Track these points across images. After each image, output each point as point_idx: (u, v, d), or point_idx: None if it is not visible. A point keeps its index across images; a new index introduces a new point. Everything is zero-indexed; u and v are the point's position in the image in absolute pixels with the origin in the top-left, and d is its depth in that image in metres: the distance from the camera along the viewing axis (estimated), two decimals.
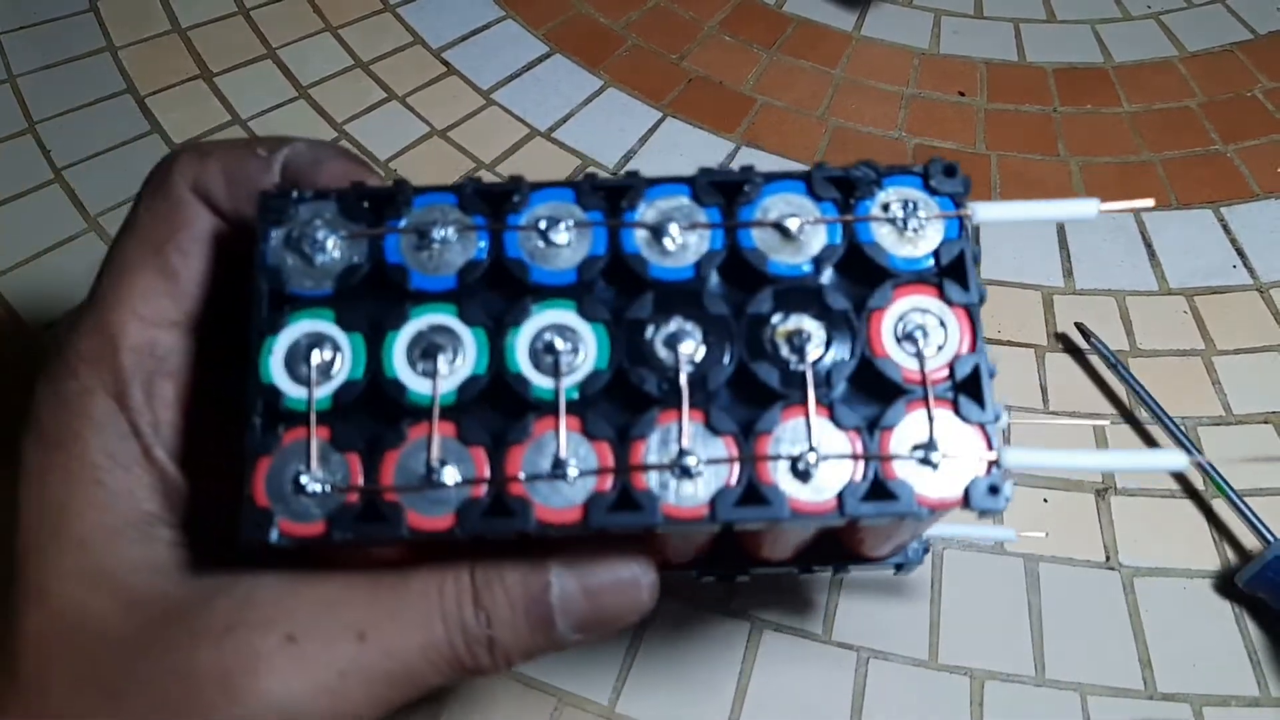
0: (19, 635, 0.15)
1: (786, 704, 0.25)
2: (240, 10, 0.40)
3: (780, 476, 0.15)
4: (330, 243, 0.16)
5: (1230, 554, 0.28)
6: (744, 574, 0.22)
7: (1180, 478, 0.30)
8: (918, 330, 0.15)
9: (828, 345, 0.15)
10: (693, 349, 0.15)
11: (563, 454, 0.15)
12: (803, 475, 0.15)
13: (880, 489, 0.15)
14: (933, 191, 0.16)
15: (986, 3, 0.44)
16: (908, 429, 0.15)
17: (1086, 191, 0.37)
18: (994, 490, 0.15)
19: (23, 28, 0.38)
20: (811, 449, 0.15)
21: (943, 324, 0.15)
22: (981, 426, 0.15)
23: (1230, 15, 0.43)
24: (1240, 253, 0.35)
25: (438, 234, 0.15)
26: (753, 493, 0.15)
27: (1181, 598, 0.27)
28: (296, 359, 0.15)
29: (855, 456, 0.15)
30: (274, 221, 0.16)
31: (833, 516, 0.15)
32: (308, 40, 0.39)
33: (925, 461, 0.15)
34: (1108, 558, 0.28)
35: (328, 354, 0.15)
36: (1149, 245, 0.35)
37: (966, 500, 0.15)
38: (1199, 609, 0.27)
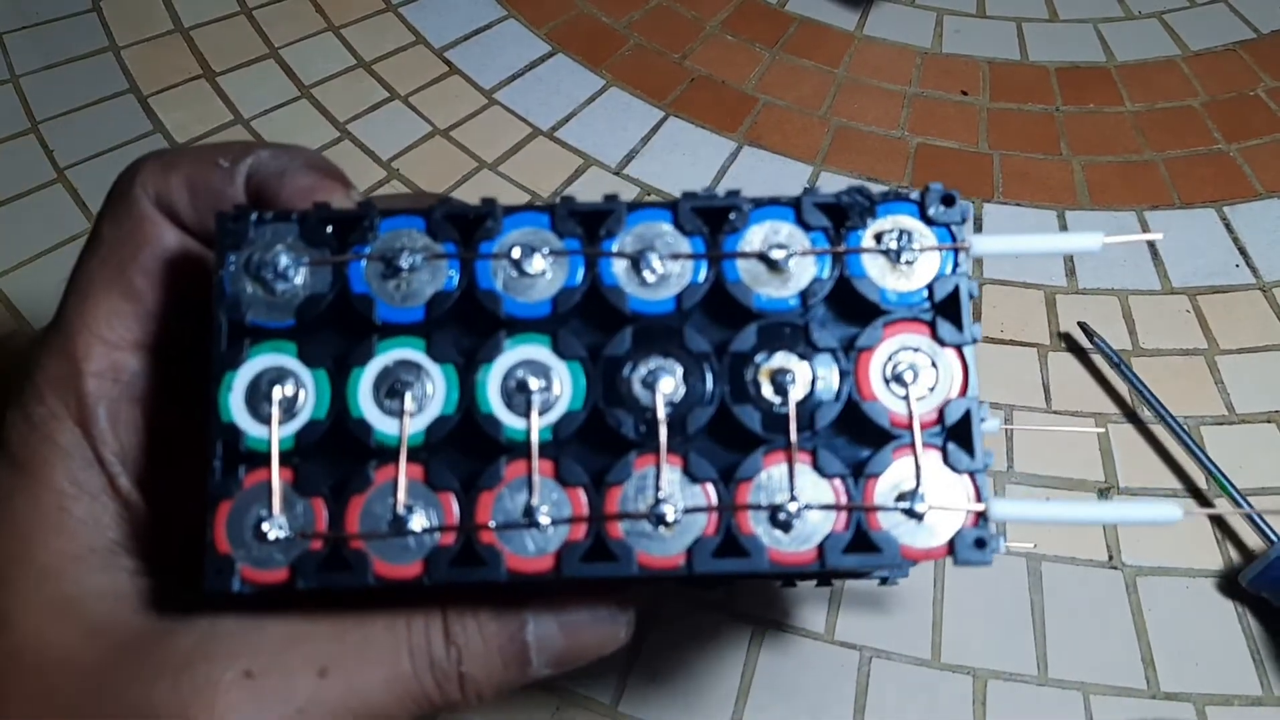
0: None
1: (789, 703, 0.25)
2: (242, 10, 0.40)
3: (760, 527, 0.14)
4: (292, 270, 0.15)
5: (1233, 553, 0.28)
6: (729, 586, 0.21)
7: (1184, 476, 0.30)
8: (908, 370, 0.15)
9: (813, 385, 0.15)
10: (672, 388, 0.15)
11: (535, 501, 0.14)
12: (784, 525, 0.14)
13: (863, 540, 0.14)
14: (929, 221, 0.15)
15: (989, 2, 0.44)
16: (893, 475, 0.14)
17: (1089, 192, 0.37)
18: (980, 544, 0.14)
19: (25, 27, 0.38)
20: (793, 498, 0.14)
21: (934, 364, 0.15)
22: (971, 475, 0.14)
23: (1233, 14, 0.43)
24: (1243, 252, 0.35)
25: (405, 262, 0.15)
26: (731, 543, 0.14)
27: (1184, 597, 0.27)
28: (258, 396, 0.14)
29: (838, 507, 0.14)
30: (233, 246, 0.15)
31: (813, 568, 0.14)
32: (310, 40, 0.39)
33: (910, 513, 0.14)
34: (1110, 557, 0.28)
35: (290, 390, 0.14)
36: (1151, 244, 0.35)
37: (952, 552, 0.14)
38: (1201, 608, 0.27)
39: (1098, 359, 0.32)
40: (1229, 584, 0.27)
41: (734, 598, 0.27)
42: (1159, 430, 0.30)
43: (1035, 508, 0.15)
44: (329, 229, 0.15)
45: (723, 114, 0.38)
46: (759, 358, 0.15)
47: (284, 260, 0.15)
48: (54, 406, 0.16)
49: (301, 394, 0.14)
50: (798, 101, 0.39)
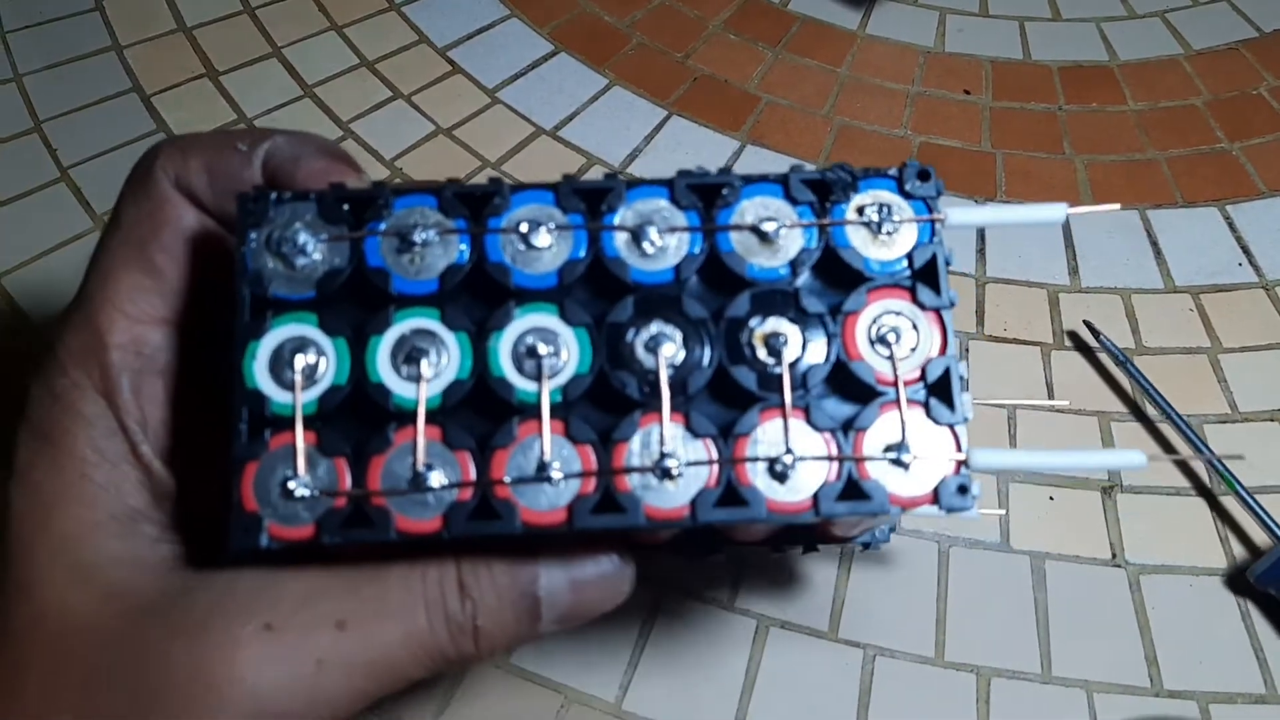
0: (3, 630, 0.15)
1: (793, 701, 0.25)
2: (245, 9, 0.40)
3: (758, 478, 0.15)
4: (311, 246, 0.15)
5: (1239, 550, 0.28)
6: (717, 553, 0.22)
7: (1189, 474, 0.30)
8: (890, 333, 0.16)
9: (804, 348, 0.16)
10: (673, 352, 0.15)
11: (547, 457, 0.15)
12: (780, 476, 0.15)
13: (854, 489, 0.15)
14: (907, 195, 0.16)
15: (992, 1, 0.44)
16: (880, 430, 0.15)
17: (1093, 190, 0.37)
18: (963, 489, 0.15)
19: (28, 26, 0.38)
20: (788, 451, 0.15)
21: (915, 327, 0.16)
22: (951, 428, 0.15)
23: (1236, 13, 0.43)
24: (1246, 250, 0.35)
25: (418, 237, 0.15)
26: (731, 494, 0.15)
27: (1188, 595, 0.27)
28: (281, 364, 0.15)
29: (830, 458, 0.15)
30: (254, 224, 0.16)
31: (808, 516, 0.15)
32: (313, 39, 0.39)
33: (897, 462, 0.15)
34: (1114, 555, 0.28)
35: (311, 358, 0.15)
36: (1154, 243, 0.35)
37: (936, 499, 0.15)
38: (1205, 606, 0.27)
39: (1102, 357, 0.32)
40: (1233, 581, 0.27)
41: (738, 594, 0.27)
42: (1165, 429, 0.30)
43: (1012, 456, 0.16)
44: (345, 207, 0.16)
45: (725, 113, 0.38)
46: (753, 322, 0.16)
47: (303, 236, 0.15)
48: (77, 378, 0.16)
49: (322, 361, 0.15)
50: (800, 101, 0.39)
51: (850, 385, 0.16)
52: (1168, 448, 0.30)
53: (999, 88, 0.40)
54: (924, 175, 0.16)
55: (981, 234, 0.35)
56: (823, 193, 0.16)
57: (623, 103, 0.38)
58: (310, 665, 0.15)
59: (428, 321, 0.15)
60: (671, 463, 0.15)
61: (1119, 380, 0.31)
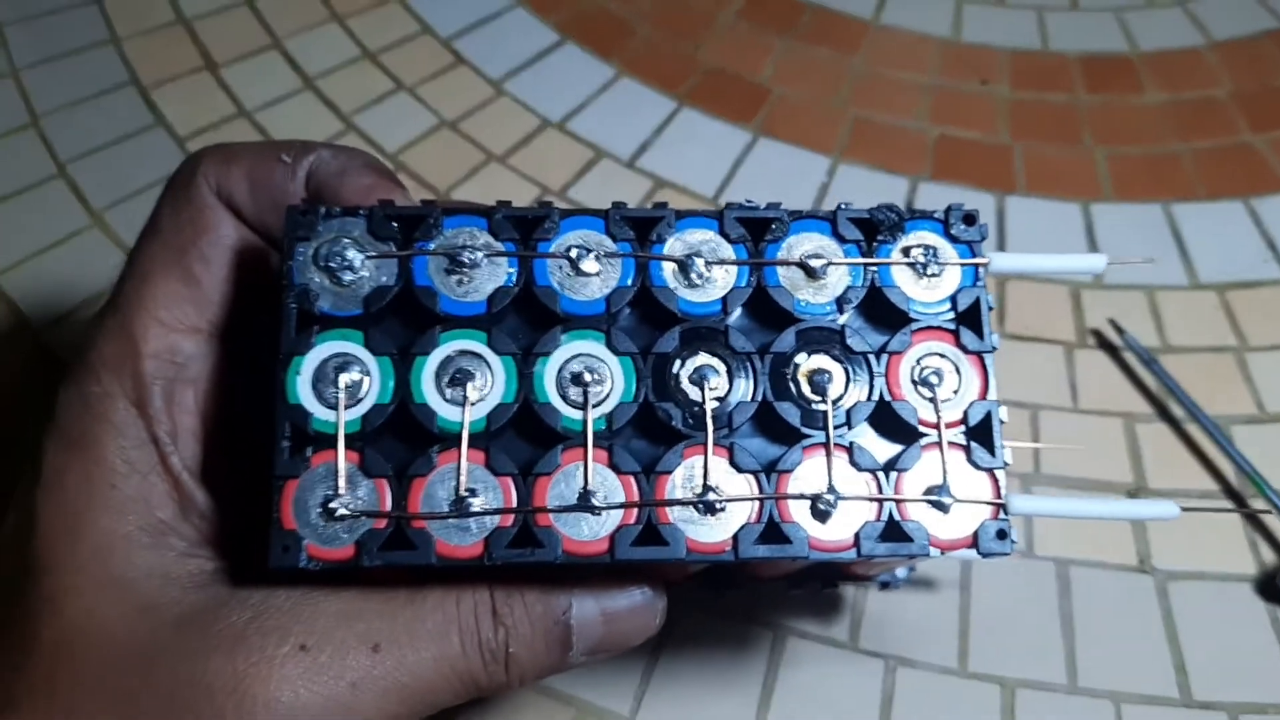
0: (33, 642, 0.15)
1: (812, 714, 0.24)
2: (245, 1, 0.39)
3: (800, 515, 0.15)
4: (358, 262, 0.15)
5: (1267, 556, 0.27)
6: (739, 588, 0.23)
7: (1217, 476, 0.29)
8: (933, 375, 0.16)
9: (847, 385, 0.16)
10: (718, 385, 0.16)
11: (590, 487, 0.15)
12: (821, 515, 0.15)
13: (895, 530, 0.15)
14: (952, 239, 0.17)
15: None
16: (921, 472, 0.16)
17: (1113, 185, 0.36)
18: (1001, 535, 0.15)
19: (25, 19, 0.38)
20: (831, 489, 0.15)
21: (958, 370, 0.16)
22: (991, 472, 0.16)
23: (1258, 3, 0.42)
24: (1272, 245, 0.34)
25: (467, 258, 0.16)
26: (773, 530, 0.15)
27: (1217, 602, 0.26)
28: (324, 381, 0.15)
29: (873, 499, 0.15)
30: (302, 238, 0.16)
31: (849, 555, 0.15)
32: (314, 30, 0.38)
33: (937, 505, 0.15)
34: (1141, 562, 0.27)
35: (356, 376, 0.15)
36: (1179, 238, 0.34)
37: (975, 543, 0.15)
38: (1235, 613, 0.26)
39: (1127, 356, 0.31)
40: (1264, 588, 0.27)
41: (755, 604, 0.26)
42: (1190, 429, 0.29)
43: (1050, 503, 0.17)
44: (394, 225, 0.16)
45: (737, 105, 0.37)
46: (798, 358, 0.16)
47: (351, 252, 0.15)
48: (109, 386, 0.16)
49: (366, 380, 0.15)
50: (813, 92, 0.38)
51: (892, 425, 0.16)
52: (1193, 447, 0.29)
53: (1017, 78, 0.39)
54: (969, 219, 0.17)
55: (1002, 230, 0.35)
56: (869, 232, 0.17)
57: (631, 94, 0.37)
58: (345, 686, 0.15)
59: (474, 344, 0.15)
60: (714, 497, 0.15)
61: (1144, 380, 0.31)
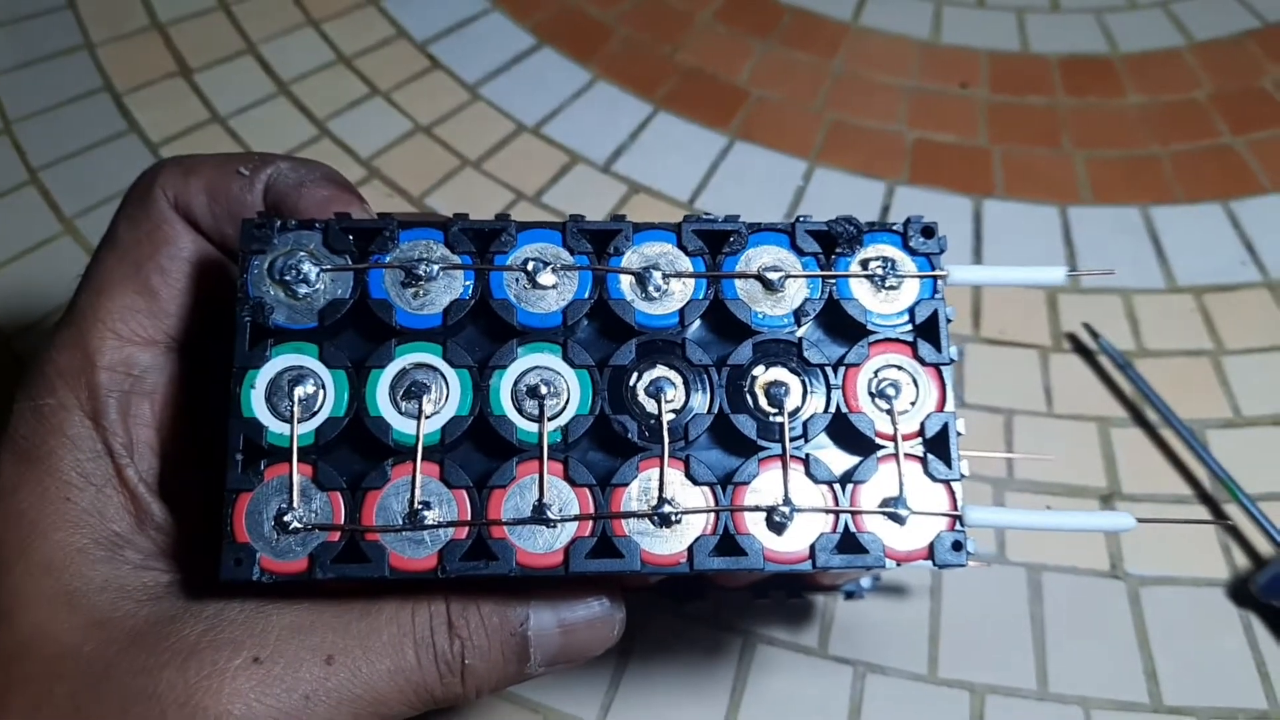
0: None
1: None
2: (220, 5, 0.39)
3: (755, 527, 0.15)
4: (314, 275, 0.15)
5: (1242, 560, 0.27)
6: (702, 598, 0.22)
7: (1191, 481, 0.29)
8: (890, 387, 0.16)
9: (804, 398, 0.16)
10: (674, 397, 0.16)
11: (545, 499, 0.15)
12: (777, 527, 0.15)
13: (851, 541, 0.15)
14: (911, 251, 0.17)
15: None
16: (878, 484, 0.16)
17: (1091, 186, 0.36)
18: (957, 546, 0.15)
19: None
20: (787, 501, 0.15)
21: (915, 382, 0.16)
22: (948, 484, 0.16)
23: (1239, 3, 0.42)
24: (1250, 249, 0.34)
25: (423, 271, 0.16)
26: (729, 542, 0.15)
27: (1188, 608, 0.26)
28: (279, 394, 0.15)
29: (829, 510, 0.15)
30: (257, 250, 0.15)
31: (804, 567, 0.15)
32: (288, 35, 0.38)
33: (893, 517, 0.15)
34: (1113, 566, 0.27)
35: (310, 389, 0.15)
36: (1156, 241, 0.34)
37: (931, 554, 0.15)
38: (1207, 619, 0.26)
39: (1102, 360, 0.31)
40: (1235, 593, 0.27)
41: (722, 610, 0.26)
42: (1165, 434, 0.29)
43: (1005, 514, 0.17)
44: (350, 238, 0.16)
45: (714, 108, 0.37)
46: (755, 371, 0.16)
47: (306, 265, 0.15)
48: (64, 398, 0.16)
49: (321, 393, 0.15)
50: (791, 95, 0.38)
51: (849, 437, 0.16)
52: (1168, 452, 0.29)
53: (996, 81, 0.39)
54: (928, 232, 0.17)
55: (979, 233, 0.34)
56: (828, 244, 0.17)
57: (608, 98, 0.37)
58: (298, 699, 0.15)
59: (429, 356, 0.15)
60: (670, 509, 0.15)
61: (1119, 384, 0.30)
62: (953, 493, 0.16)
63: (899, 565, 0.15)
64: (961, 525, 0.16)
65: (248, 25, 0.38)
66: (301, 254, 0.15)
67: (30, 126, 0.35)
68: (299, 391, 0.15)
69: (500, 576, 0.15)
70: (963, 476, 0.16)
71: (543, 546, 0.15)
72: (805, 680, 0.25)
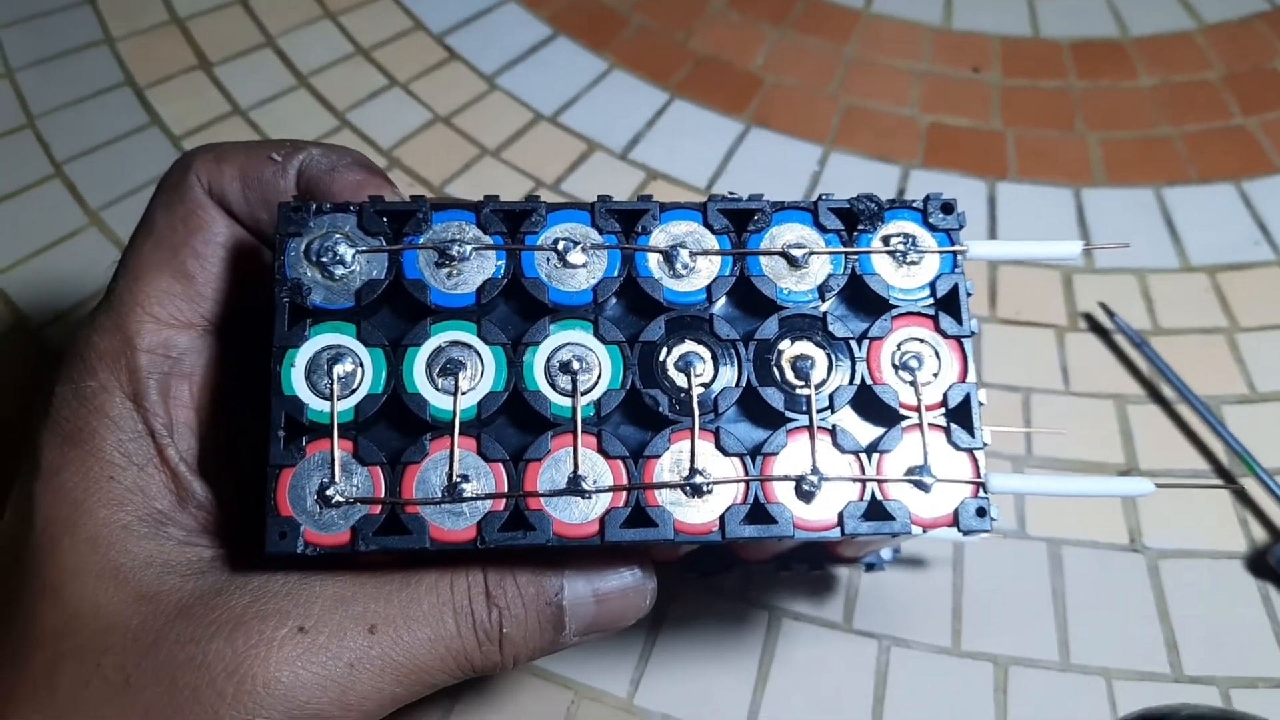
0: (31, 633, 0.15)
1: (807, 694, 0.25)
2: None
3: (785, 496, 0.16)
4: (349, 257, 0.16)
5: (1259, 533, 0.28)
6: (728, 570, 0.23)
7: (1208, 456, 0.29)
8: (913, 359, 0.16)
9: (830, 371, 0.16)
10: (703, 372, 0.16)
11: (580, 471, 0.15)
12: (806, 496, 0.16)
13: (878, 509, 0.16)
14: (931, 227, 0.17)
15: None
16: (902, 453, 0.16)
17: (1106, 168, 0.36)
18: (981, 512, 0.16)
19: (20, 21, 0.38)
20: (815, 470, 0.16)
21: (937, 354, 0.16)
22: (970, 452, 0.16)
23: None
24: (1263, 228, 0.34)
25: (456, 251, 0.16)
26: (759, 511, 0.16)
27: (1208, 579, 0.27)
28: (318, 372, 0.15)
29: (856, 479, 0.16)
30: (293, 234, 0.16)
31: (833, 534, 0.16)
32: (307, 27, 0.38)
33: (919, 485, 0.16)
34: (1132, 540, 0.27)
35: (349, 367, 0.15)
36: (1170, 221, 0.35)
37: (956, 520, 0.16)
38: (1225, 590, 0.27)
39: (1118, 339, 0.31)
40: (1253, 564, 0.27)
41: (749, 587, 0.26)
42: (1181, 410, 0.30)
43: (1027, 480, 0.17)
44: (384, 220, 0.16)
45: (729, 95, 0.38)
46: (781, 345, 0.16)
47: (342, 247, 0.16)
48: (105, 380, 0.16)
49: (359, 371, 0.16)
50: (805, 81, 0.38)
51: (874, 408, 0.16)
52: (1184, 428, 0.29)
53: (1008, 65, 0.39)
54: (948, 208, 0.17)
55: (993, 216, 0.35)
56: (850, 221, 0.17)
57: (624, 86, 0.38)
58: (343, 667, 0.15)
59: (464, 334, 0.16)
60: (701, 479, 0.15)
61: (1135, 362, 0.31)
62: (975, 461, 0.16)
63: (925, 532, 0.16)
64: (985, 492, 0.16)
65: (265, 18, 0.38)
66: (337, 236, 0.16)
67: (54, 121, 0.35)
68: (338, 370, 0.15)
69: (538, 546, 0.15)
70: (985, 445, 0.16)
71: (578, 517, 0.15)
72: (831, 653, 0.25)
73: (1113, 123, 0.37)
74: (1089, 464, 0.29)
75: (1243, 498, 0.28)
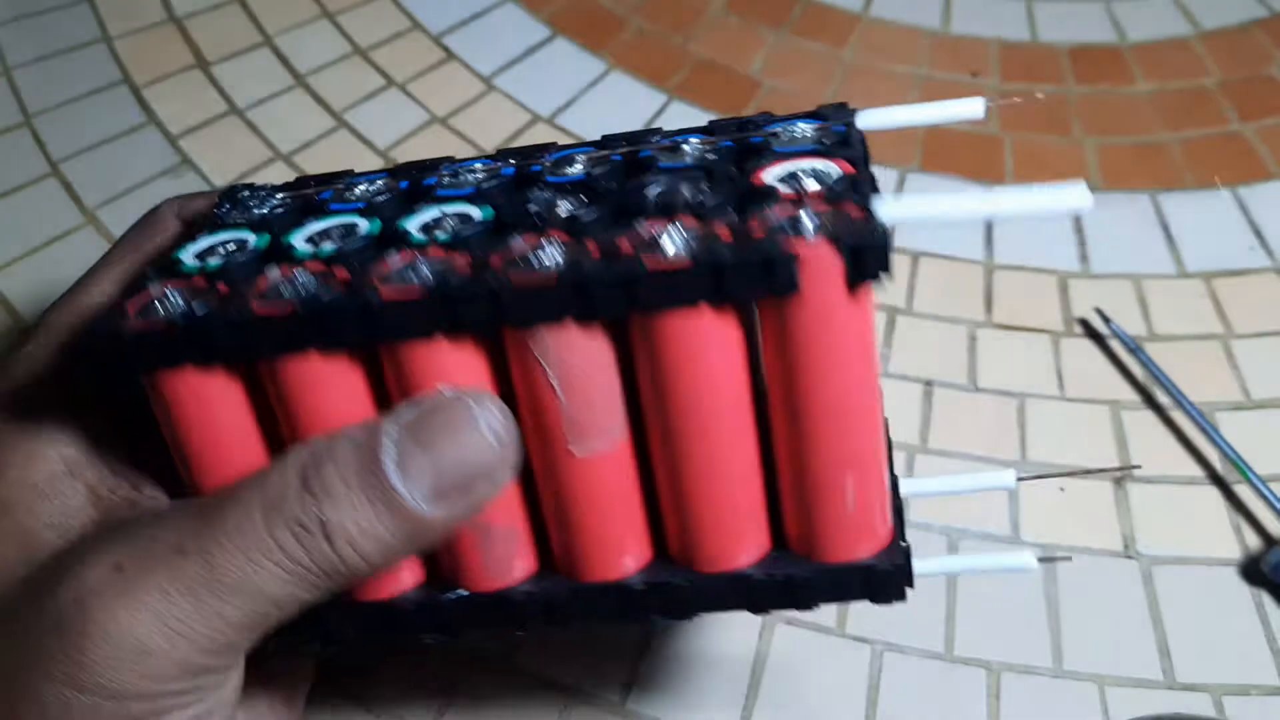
0: None
1: (800, 698, 0.25)
2: None
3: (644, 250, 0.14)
4: (273, 200, 0.18)
5: (1253, 540, 0.28)
6: (685, 616, 0.19)
7: (1202, 462, 0.29)
8: (799, 172, 0.15)
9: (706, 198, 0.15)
10: (569, 206, 0.16)
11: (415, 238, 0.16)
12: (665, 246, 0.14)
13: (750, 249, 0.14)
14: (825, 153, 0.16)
15: None
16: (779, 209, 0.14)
17: (1102, 174, 0.36)
18: (875, 255, 0.14)
19: (17, 19, 0.38)
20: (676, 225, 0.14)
21: (826, 171, 0.15)
22: (856, 202, 0.14)
23: None
24: (1259, 234, 0.34)
25: (360, 188, 0.18)
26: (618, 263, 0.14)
27: (1201, 586, 0.27)
28: (210, 251, 0.17)
29: (728, 226, 0.15)
30: (228, 196, 0.18)
31: (694, 278, 0.14)
32: (305, 27, 0.38)
33: (794, 224, 0.14)
34: (1126, 547, 0.27)
35: (234, 246, 0.17)
36: (1166, 227, 0.35)
37: (837, 243, 0.14)
38: (1219, 597, 0.27)
39: (1113, 344, 0.31)
40: (1247, 572, 0.27)
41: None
42: (1176, 416, 0.30)
43: (924, 203, 0.14)
44: (311, 185, 0.18)
45: (727, 98, 0.38)
46: (652, 188, 0.16)
47: (264, 192, 0.18)
48: (44, 342, 0.17)
49: (246, 245, 0.17)
50: (803, 85, 0.38)
51: (754, 203, 0.15)
52: (1179, 434, 0.29)
53: (1006, 69, 0.39)
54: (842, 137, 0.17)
55: (989, 220, 0.35)
56: (744, 137, 0.17)
57: (621, 88, 0.38)
58: (158, 598, 0.14)
59: (349, 219, 0.17)
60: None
61: (1130, 368, 0.31)
62: (867, 211, 0.14)
63: (796, 258, 0.14)
64: (873, 220, 0.14)
65: (264, 18, 0.38)
66: (264, 193, 0.18)
67: (50, 119, 0.35)
68: (226, 248, 0.17)
69: (353, 310, 0.14)
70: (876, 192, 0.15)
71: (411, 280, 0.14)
72: (824, 659, 0.25)
73: (1110, 128, 0.38)
74: (1083, 471, 0.29)
75: (1237, 505, 0.28)
